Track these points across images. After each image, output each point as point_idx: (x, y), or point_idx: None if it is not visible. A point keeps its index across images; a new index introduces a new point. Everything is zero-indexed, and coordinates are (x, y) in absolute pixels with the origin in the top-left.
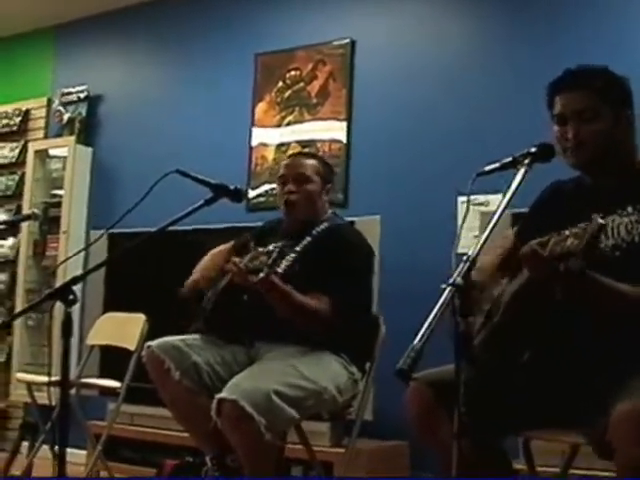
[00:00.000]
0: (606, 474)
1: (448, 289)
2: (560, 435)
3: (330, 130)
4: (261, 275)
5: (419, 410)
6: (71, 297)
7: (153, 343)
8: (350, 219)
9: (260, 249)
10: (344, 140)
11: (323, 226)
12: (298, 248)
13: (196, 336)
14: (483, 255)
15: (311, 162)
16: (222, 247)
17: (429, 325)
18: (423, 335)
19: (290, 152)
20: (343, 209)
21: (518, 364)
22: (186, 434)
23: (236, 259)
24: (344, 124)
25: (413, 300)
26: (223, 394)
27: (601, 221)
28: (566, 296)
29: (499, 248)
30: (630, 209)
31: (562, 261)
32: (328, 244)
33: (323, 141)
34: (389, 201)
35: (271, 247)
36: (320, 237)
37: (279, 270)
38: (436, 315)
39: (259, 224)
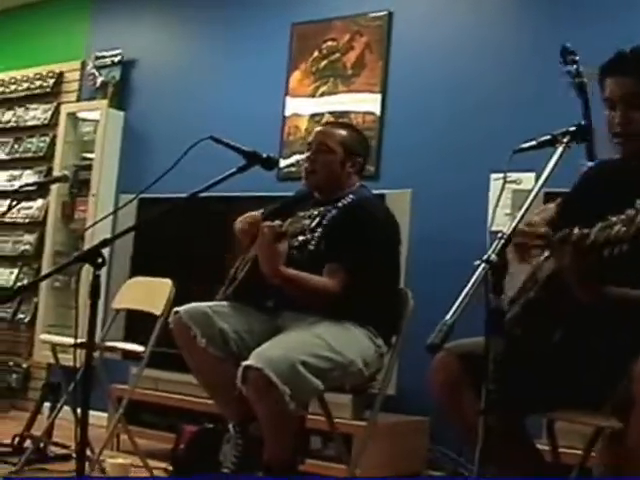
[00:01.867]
0: None
1: (482, 266)
2: (583, 417)
3: (364, 102)
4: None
5: (445, 380)
6: (100, 260)
7: (181, 309)
8: (381, 192)
9: (301, 213)
10: (378, 113)
11: (348, 199)
12: (325, 222)
13: (224, 303)
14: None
15: (339, 132)
16: (252, 213)
17: (462, 301)
18: (455, 311)
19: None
20: (375, 182)
21: (548, 343)
22: (207, 400)
23: (277, 222)
24: (379, 96)
25: (442, 274)
26: (249, 362)
27: None
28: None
29: (539, 217)
30: None
31: (609, 247)
32: (352, 217)
33: (357, 113)
34: (421, 175)
35: (315, 212)
36: (344, 210)
37: (311, 247)
38: (469, 291)
39: (290, 194)
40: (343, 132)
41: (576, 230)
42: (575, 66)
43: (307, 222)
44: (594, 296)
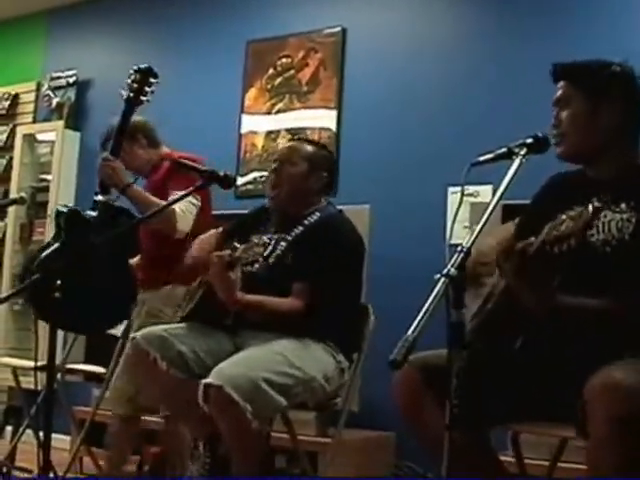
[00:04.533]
0: None
1: (442, 280)
2: (548, 428)
3: (320, 118)
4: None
5: (406, 393)
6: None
7: (137, 334)
8: (340, 208)
9: (255, 240)
10: (334, 128)
11: (315, 216)
12: (290, 238)
13: (180, 325)
14: (485, 238)
15: (305, 147)
16: (210, 232)
17: (423, 316)
18: (417, 326)
19: (280, 140)
20: (332, 198)
21: (508, 354)
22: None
23: (226, 252)
24: (334, 112)
25: (401, 289)
26: (209, 379)
27: (597, 204)
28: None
29: (498, 238)
30: (624, 206)
31: (558, 244)
32: (318, 234)
33: (313, 129)
34: (379, 190)
35: (266, 238)
36: (311, 227)
37: (271, 261)
38: (430, 306)
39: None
40: (309, 147)
41: (519, 244)
42: (149, 87)
43: (260, 250)
44: (547, 307)
